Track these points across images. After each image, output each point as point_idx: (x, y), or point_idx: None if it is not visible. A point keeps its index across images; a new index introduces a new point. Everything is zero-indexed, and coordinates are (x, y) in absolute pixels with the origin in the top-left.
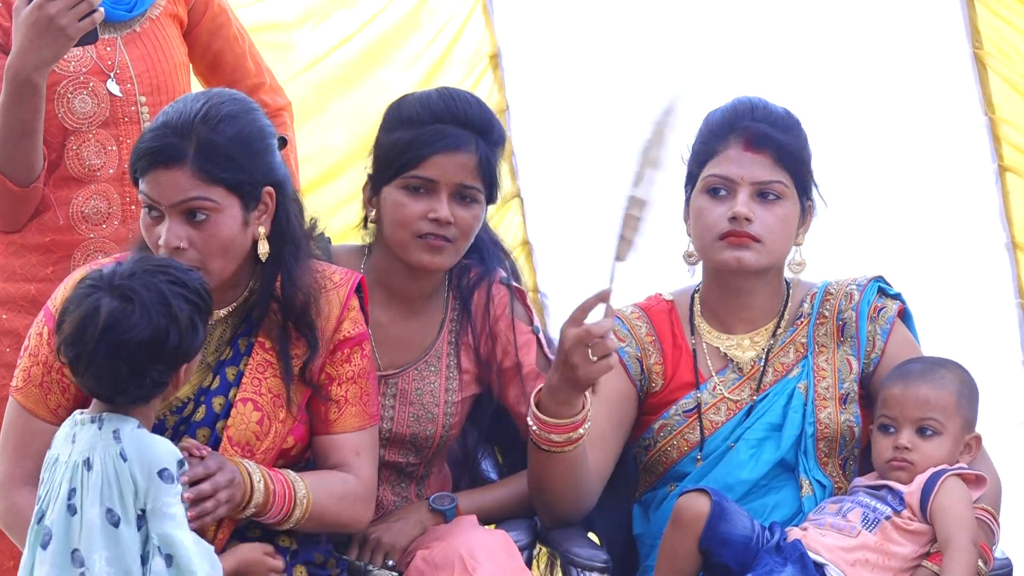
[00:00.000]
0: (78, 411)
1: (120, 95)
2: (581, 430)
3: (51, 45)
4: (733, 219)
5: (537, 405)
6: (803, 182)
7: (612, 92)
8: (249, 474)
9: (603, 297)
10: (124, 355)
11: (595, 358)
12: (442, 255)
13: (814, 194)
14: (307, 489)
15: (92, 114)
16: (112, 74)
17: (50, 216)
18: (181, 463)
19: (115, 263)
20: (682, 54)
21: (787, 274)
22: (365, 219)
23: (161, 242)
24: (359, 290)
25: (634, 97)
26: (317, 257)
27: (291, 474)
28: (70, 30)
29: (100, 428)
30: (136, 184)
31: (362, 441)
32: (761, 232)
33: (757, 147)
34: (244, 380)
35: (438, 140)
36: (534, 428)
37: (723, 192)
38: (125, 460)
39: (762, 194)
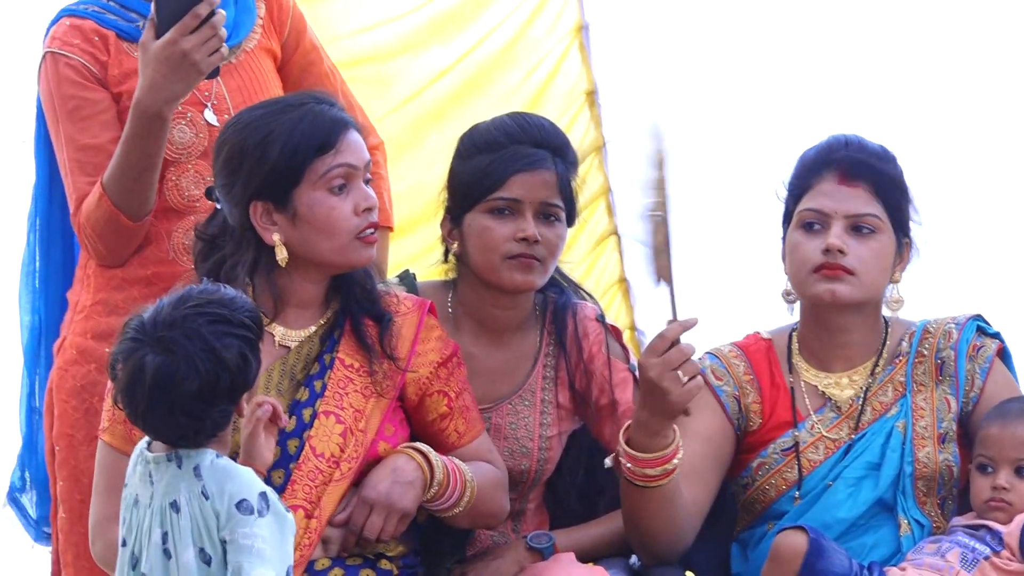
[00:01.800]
0: (143, 442)
1: (218, 125)
2: (675, 460)
3: (184, 79)
4: (827, 251)
5: (628, 442)
6: (899, 217)
7: (709, 128)
8: (424, 454)
9: (687, 326)
10: (178, 407)
11: (686, 379)
12: (532, 274)
13: (913, 233)
14: (471, 473)
15: (191, 144)
16: (210, 104)
17: (151, 249)
18: (264, 495)
19: (156, 306)
20: (779, 89)
21: (885, 312)
22: (446, 252)
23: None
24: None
25: (731, 132)
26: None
27: (454, 459)
28: (202, 65)
29: (180, 467)
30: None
31: (487, 441)
32: (855, 265)
33: (851, 180)
34: (327, 393)
35: (518, 160)
36: (628, 465)
37: (817, 226)
38: (208, 498)
39: (856, 227)
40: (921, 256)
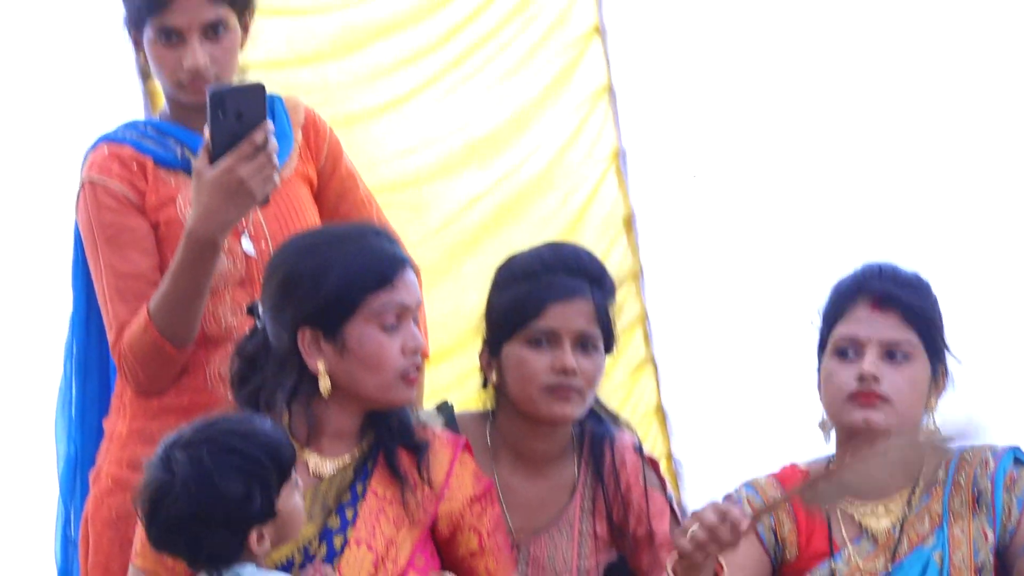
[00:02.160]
0: None
1: (254, 254)
2: None
3: (239, 206)
4: (861, 379)
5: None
6: (932, 344)
7: (748, 258)
8: None
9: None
10: (173, 527)
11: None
12: (571, 405)
13: (948, 361)
14: None
15: (228, 273)
16: (246, 232)
17: (188, 378)
18: None
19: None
20: (829, 236)
21: None
22: (485, 382)
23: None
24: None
25: (770, 265)
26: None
27: None
28: (257, 192)
29: None
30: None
31: None
32: (890, 392)
33: (884, 307)
34: (359, 523)
35: (555, 289)
36: None
37: (851, 353)
38: None
39: (890, 354)
40: (956, 386)
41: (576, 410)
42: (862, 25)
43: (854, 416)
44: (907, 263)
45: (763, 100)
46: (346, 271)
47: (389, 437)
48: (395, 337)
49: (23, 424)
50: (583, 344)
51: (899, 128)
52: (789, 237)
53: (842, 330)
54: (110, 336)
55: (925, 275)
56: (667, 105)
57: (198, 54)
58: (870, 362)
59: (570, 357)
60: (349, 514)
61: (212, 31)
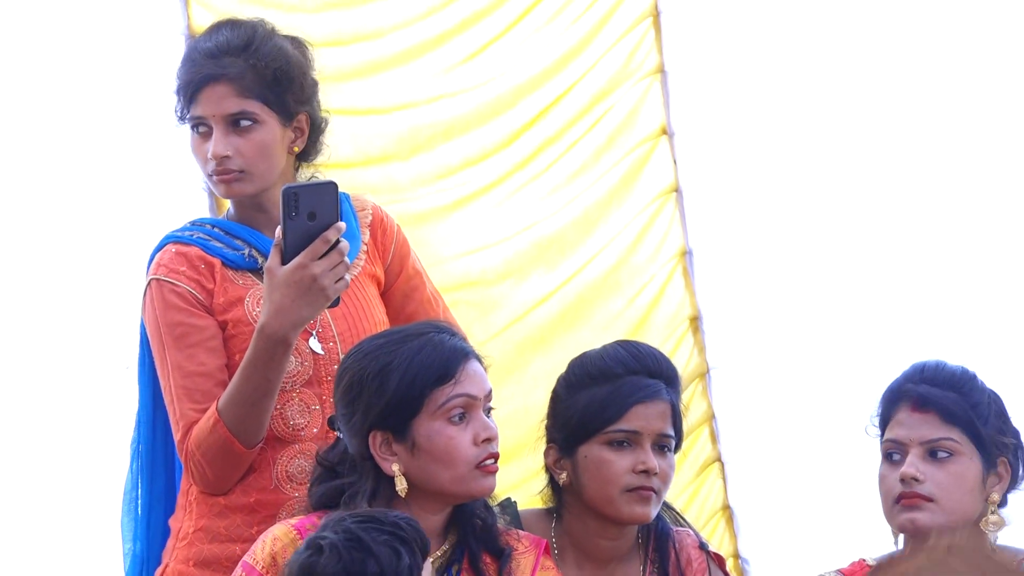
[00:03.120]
0: None
1: (322, 353)
2: None
3: (311, 304)
4: (903, 481)
5: None
6: (979, 438)
7: (814, 358)
8: None
9: None
10: None
11: None
12: (649, 506)
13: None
14: None
15: (295, 373)
16: (315, 332)
17: (255, 477)
18: None
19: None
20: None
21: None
22: (552, 482)
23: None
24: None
25: (837, 364)
26: (506, 522)
27: None
28: (330, 290)
29: None
30: None
31: None
32: (933, 491)
33: (923, 408)
34: None
35: (637, 391)
36: None
37: (897, 456)
38: None
39: (932, 452)
40: None
41: (653, 511)
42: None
43: (901, 519)
44: (959, 357)
45: (832, 201)
46: (407, 370)
47: (474, 540)
48: (465, 429)
49: (89, 523)
50: (661, 445)
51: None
52: (855, 338)
53: (889, 435)
54: (176, 435)
55: (978, 367)
56: (733, 204)
57: (219, 144)
58: (910, 463)
59: (652, 459)
60: None
61: (237, 123)
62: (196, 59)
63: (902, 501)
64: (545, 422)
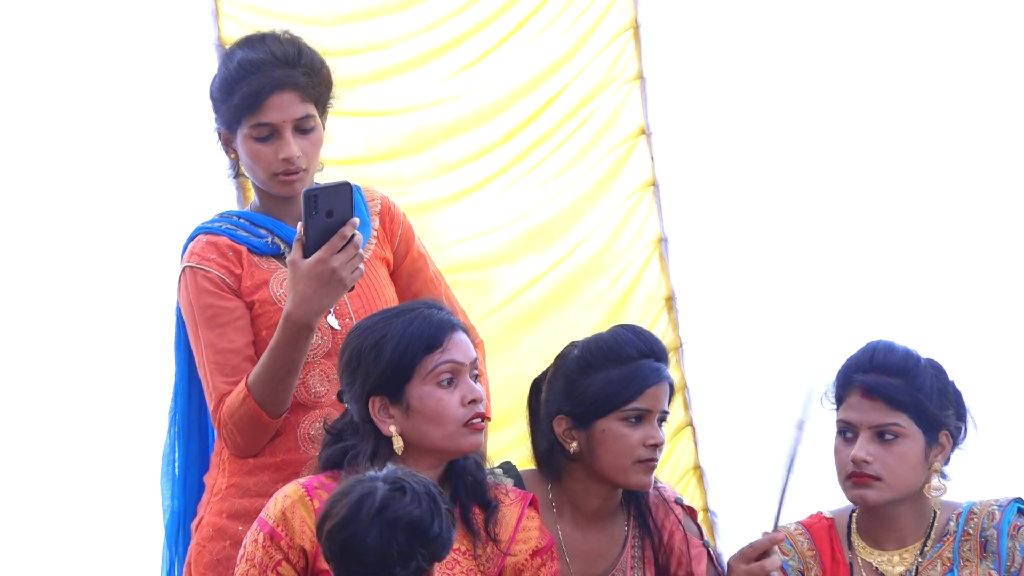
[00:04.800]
0: None
1: (340, 329)
2: None
3: (331, 294)
4: (854, 462)
5: None
6: (923, 419)
7: (776, 335)
8: None
9: (776, 540)
10: (395, 534)
11: None
12: (652, 475)
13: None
14: None
15: (316, 347)
16: (333, 310)
17: (281, 439)
18: None
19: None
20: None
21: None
22: (560, 449)
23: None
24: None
25: (796, 340)
26: (498, 476)
27: None
28: (347, 280)
29: None
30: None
31: None
32: (880, 471)
33: (872, 396)
34: (437, 574)
35: (650, 374)
36: None
37: (849, 435)
38: None
39: (880, 434)
40: (966, 445)
41: (652, 479)
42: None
43: (851, 494)
44: (909, 333)
45: (792, 193)
46: (400, 340)
47: (465, 494)
48: (453, 392)
49: (131, 483)
50: (660, 419)
51: (946, 210)
52: (811, 315)
53: (841, 415)
54: (210, 404)
55: (925, 342)
56: (704, 197)
57: (293, 147)
58: (860, 447)
59: (660, 433)
60: None
61: (303, 127)
62: (258, 71)
63: (852, 479)
64: (543, 396)
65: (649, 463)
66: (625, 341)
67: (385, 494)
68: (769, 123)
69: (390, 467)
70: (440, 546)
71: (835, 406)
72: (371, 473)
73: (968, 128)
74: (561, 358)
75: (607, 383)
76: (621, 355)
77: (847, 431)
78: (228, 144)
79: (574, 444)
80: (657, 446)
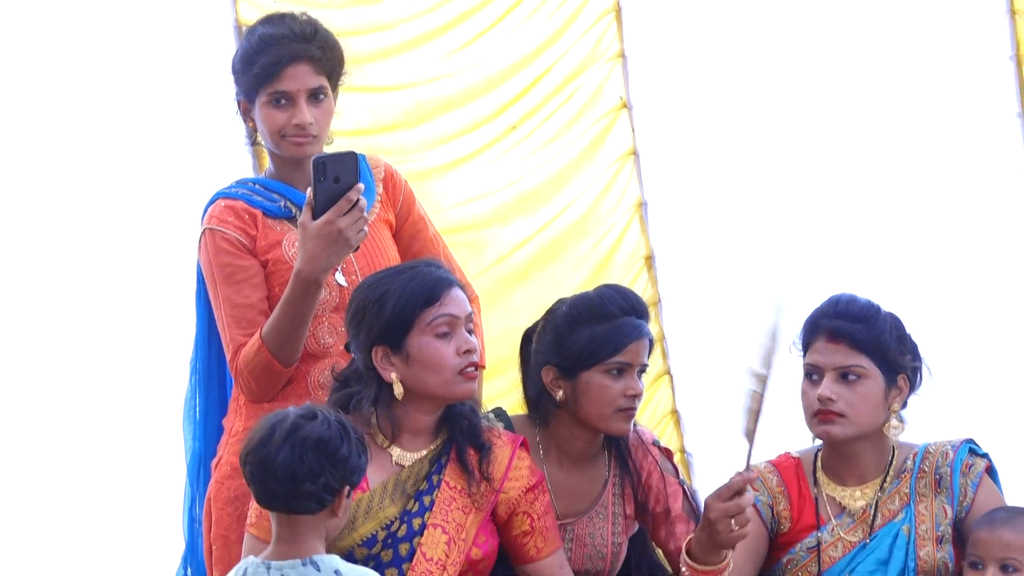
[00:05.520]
0: (256, 560)
1: (346, 285)
2: (725, 574)
3: (338, 253)
4: (820, 400)
5: (688, 553)
6: (883, 362)
7: (748, 291)
8: None
9: (749, 479)
10: (305, 452)
11: (737, 527)
12: (631, 422)
13: (907, 368)
14: None
15: (325, 301)
16: (340, 268)
17: (293, 386)
18: None
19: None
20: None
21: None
22: (548, 397)
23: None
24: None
25: (776, 288)
26: (490, 420)
27: None
28: (353, 240)
29: (319, 570)
30: None
31: (561, 558)
32: (844, 408)
33: (836, 340)
34: (435, 509)
35: (632, 331)
36: (686, 573)
37: (815, 377)
38: None
39: (844, 375)
40: (922, 391)
41: (632, 426)
42: (865, 82)
43: (818, 430)
44: (870, 290)
45: (758, 161)
46: (401, 295)
47: (461, 436)
48: (449, 343)
49: (155, 427)
50: (640, 372)
51: (894, 161)
52: (777, 272)
53: (808, 359)
54: (228, 355)
55: (882, 293)
56: (682, 165)
57: (306, 114)
58: (825, 386)
59: (640, 385)
60: (427, 501)
61: (315, 96)
62: (277, 44)
63: (819, 416)
64: (533, 347)
65: (629, 411)
66: (609, 299)
67: (296, 419)
68: (741, 96)
69: (320, 406)
70: (350, 470)
71: (802, 353)
72: (290, 407)
73: (919, 96)
74: (550, 313)
75: (592, 338)
76: (605, 312)
77: (813, 374)
78: (247, 113)
79: (560, 393)
80: (636, 396)
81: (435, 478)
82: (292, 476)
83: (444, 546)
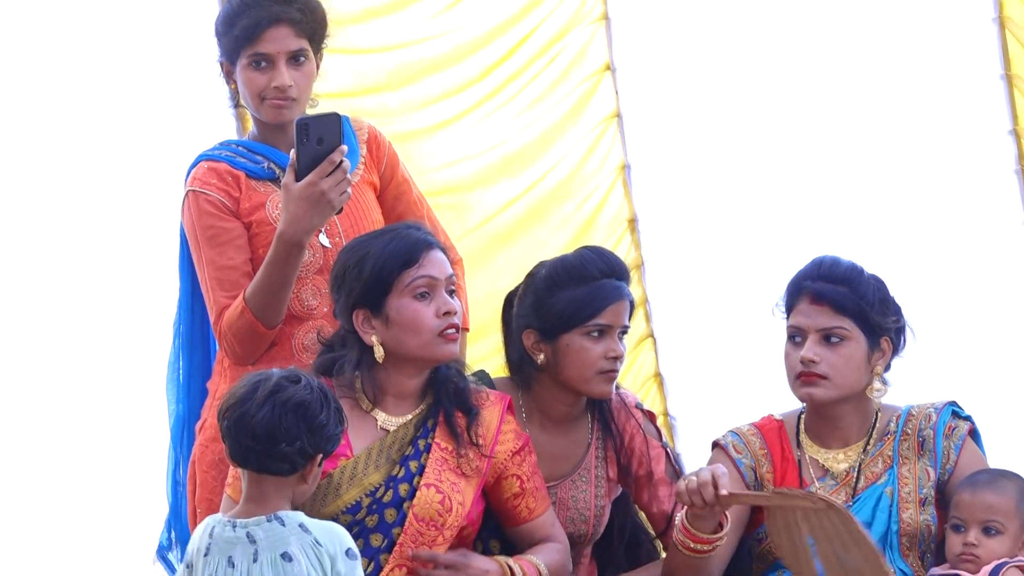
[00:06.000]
0: (221, 517)
1: (330, 247)
2: (720, 542)
3: (320, 214)
4: (803, 362)
5: (688, 521)
6: (866, 324)
7: (730, 253)
8: (509, 567)
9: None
10: (285, 414)
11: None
12: (613, 384)
13: (891, 329)
14: (545, 565)
15: (309, 263)
16: (323, 229)
17: (277, 348)
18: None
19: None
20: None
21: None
22: (530, 360)
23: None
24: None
25: (750, 259)
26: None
27: (531, 557)
28: (336, 202)
29: (284, 524)
30: None
31: (552, 515)
32: (827, 370)
33: (819, 302)
34: (427, 471)
35: (611, 293)
36: (683, 539)
37: (798, 339)
38: (321, 545)
39: (827, 337)
40: (905, 353)
41: (613, 388)
42: (846, 48)
43: (800, 392)
44: (853, 251)
45: (744, 121)
46: (379, 257)
47: (448, 400)
48: (429, 304)
49: (138, 390)
50: (621, 333)
51: (867, 136)
52: (763, 235)
53: (791, 321)
54: (212, 317)
55: (865, 257)
56: (665, 128)
57: (284, 76)
58: (807, 348)
59: (620, 347)
60: (413, 466)
61: (295, 59)
62: (257, 6)
63: (802, 378)
64: (514, 310)
65: (610, 374)
66: (588, 262)
67: (280, 379)
68: (726, 59)
69: (293, 367)
70: (326, 438)
71: (785, 315)
72: (274, 368)
73: (901, 71)
74: (530, 276)
75: (571, 301)
76: (584, 275)
77: (796, 335)
78: (229, 75)
79: (541, 356)
80: (617, 358)
81: (422, 443)
82: (269, 435)
83: (438, 505)
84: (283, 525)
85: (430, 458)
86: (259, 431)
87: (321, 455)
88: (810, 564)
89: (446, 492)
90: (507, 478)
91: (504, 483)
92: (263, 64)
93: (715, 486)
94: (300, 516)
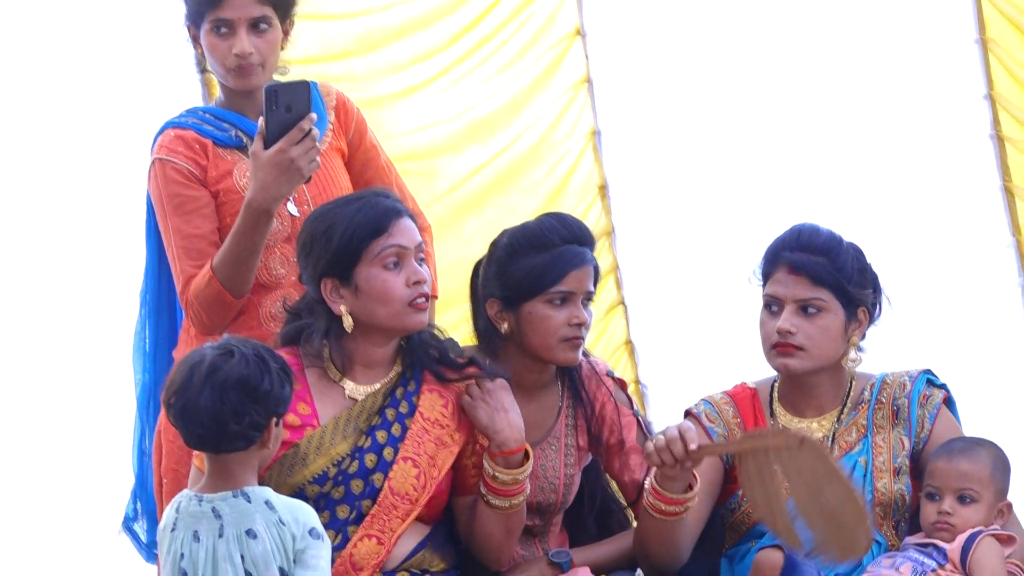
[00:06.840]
0: (189, 492)
1: (298, 215)
2: (690, 504)
3: (289, 182)
4: (779, 332)
5: (657, 482)
6: (843, 295)
7: (701, 219)
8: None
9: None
10: (226, 393)
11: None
12: (578, 351)
13: (870, 299)
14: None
15: (276, 232)
16: (292, 197)
17: (244, 317)
18: (317, 526)
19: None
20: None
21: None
22: (495, 330)
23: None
24: None
25: (720, 225)
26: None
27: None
28: (305, 170)
29: (250, 501)
30: None
31: None
32: (803, 341)
33: (797, 272)
34: (407, 442)
35: (573, 259)
36: (652, 500)
37: (775, 308)
38: (284, 524)
39: (804, 308)
40: (880, 322)
41: (580, 355)
42: (818, 33)
43: (776, 363)
44: (830, 217)
45: (714, 89)
46: (348, 226)
47: (430, 363)
48: (398, 274)
49: (104, 359)
50: (585, 300)
51: (831, 107)
52: (733, 202)
53: (768, 289)
54: (178, 286)
55: (844, 228)
56: (635, 94)
57: (244, 43)
58: (785, 319)
59: (584, 313)
60: (381, 436)
61: (257, 25)
62: None
63: (777, 348)
64: (480, 279)
65: (574, 341)
66: (549, 229)
67: (214, 358)
68: (696, 24)
69: (226, 336)
70: (275, 402)
71: (761, 283)
72: (206, 344)
73: (869, 36)
74: (493, 245)
75: (531, 269)
76: (545, 242)
77: (773, 305)
78: (195, 40)
79: (505, 325)
80: (581, 324)
81: (390, 412)
82: (216, 419)
83: (414, 479)
84: (249, 501)
85: (412, 428)
86: (205, 417)
87: (276, 417)
88: (783, 510)
89: (422, 467)
90: (468, 443)
91: (466, 450)
92: (223, 30)
93: (684, 441)
94: (267, 492)
